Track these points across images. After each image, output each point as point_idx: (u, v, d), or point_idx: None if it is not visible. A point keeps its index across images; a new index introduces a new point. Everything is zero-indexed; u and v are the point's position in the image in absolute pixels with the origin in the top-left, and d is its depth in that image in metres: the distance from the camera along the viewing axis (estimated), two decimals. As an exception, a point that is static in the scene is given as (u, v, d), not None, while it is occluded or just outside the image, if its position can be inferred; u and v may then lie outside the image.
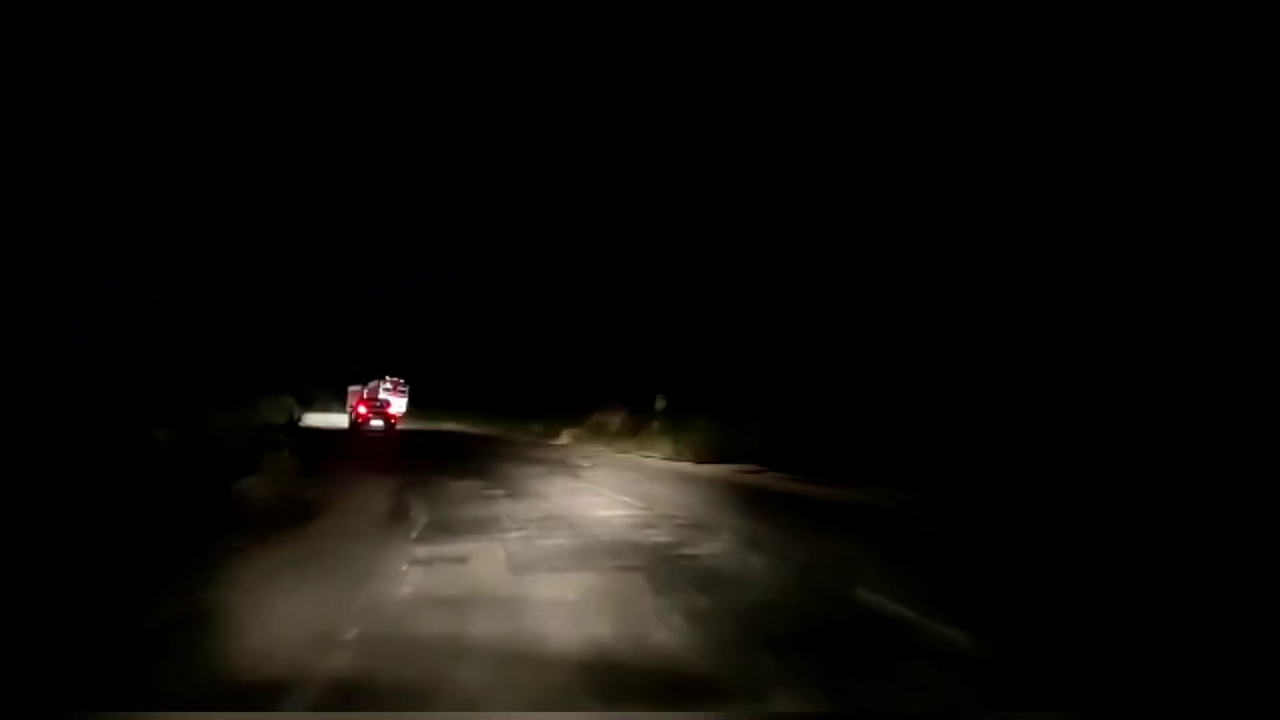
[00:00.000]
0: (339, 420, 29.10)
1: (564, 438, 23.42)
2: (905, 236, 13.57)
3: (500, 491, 9.94)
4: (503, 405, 30.21)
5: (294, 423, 12.78)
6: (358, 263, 38.55)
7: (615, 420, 23.55)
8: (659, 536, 6.38)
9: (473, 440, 23.02)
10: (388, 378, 41.63)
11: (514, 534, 6.51)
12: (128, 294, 9.57)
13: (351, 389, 41.91)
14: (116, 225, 9.43)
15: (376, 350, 43.04)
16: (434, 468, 13.08)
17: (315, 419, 30.26)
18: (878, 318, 14.25)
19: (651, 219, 23.82)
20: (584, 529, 6.77)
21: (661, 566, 5.04)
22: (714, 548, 5.83)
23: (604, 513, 8.01)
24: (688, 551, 5.64)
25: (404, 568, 5.05)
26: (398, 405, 39.21)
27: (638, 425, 21.62)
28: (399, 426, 30.34)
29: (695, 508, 8.51)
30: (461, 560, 5.30)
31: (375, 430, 27.34)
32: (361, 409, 28.49)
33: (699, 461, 15.73)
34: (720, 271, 20.13)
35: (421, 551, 5.65)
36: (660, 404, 19.48)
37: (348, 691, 2.77)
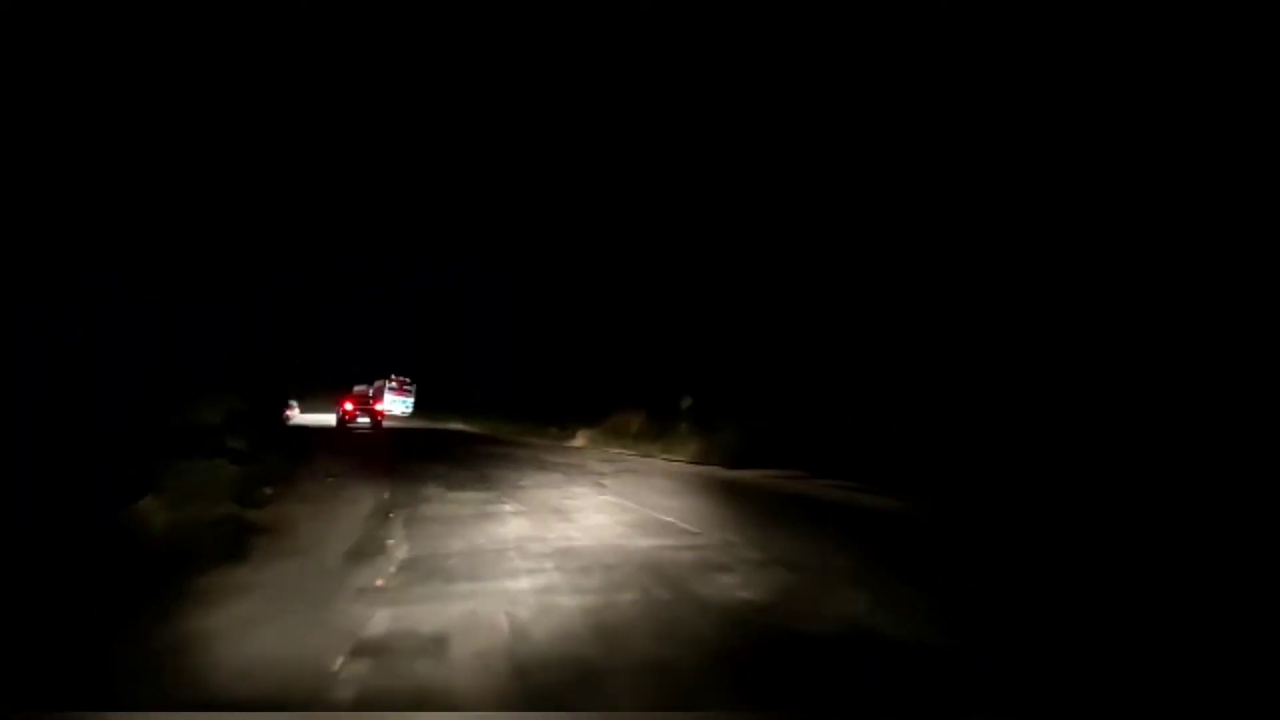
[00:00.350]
0: (333, 419, 27.77)
1: (579, 439, 21.37)
2: (917, 234, 13.12)
3: (508, 507, 7.89)
4: (513, 406, 28.25)
5: (237, 423, 10.69)
6: (358, 263, 36.77)
7: (635, 422, 21.48)
8: (741, 590, 4.27)
9: (479, 441, 20.93)
10: (393, 377, 39.96)
11: (525, 582, 4.44)
12: (125, 293, 9.07)
13: (357, 388, 40.68)
14: (115, 225, 9.11)
15: (378, 350, 41.28)
16: (430, 475, 11.05)
17: (311, 418, 28.76)
18: (914, 314, 13.45)
19: (663, 217, 22.30)
20: (626, 572, 4.69)
21: (786, 668, 2.94)
22: (844, 613, 3.72)
23: (647, 541, 5.92)
24: (806, 628, 3.51)
25: (336, 665, 2.97)
26: (398, 404, 37.51)
27: (660, 427, 19.60)
28: (387, 424, 29.18)
29: (763, 531, 6.42)
30: (437, 647, 3.20)
31: (362, 427, 26.17)
32: (348, 405, 27.47)
33: (731, 466, 13.70)
34: (739, 268, 18.97)
35: (380, 622, 3.57)
36: (686, 403, 17.39)
37: None
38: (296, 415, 28.72)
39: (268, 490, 8.16)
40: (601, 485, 10.20)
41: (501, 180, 30.55)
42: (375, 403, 28.90)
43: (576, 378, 25.83)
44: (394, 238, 35.19)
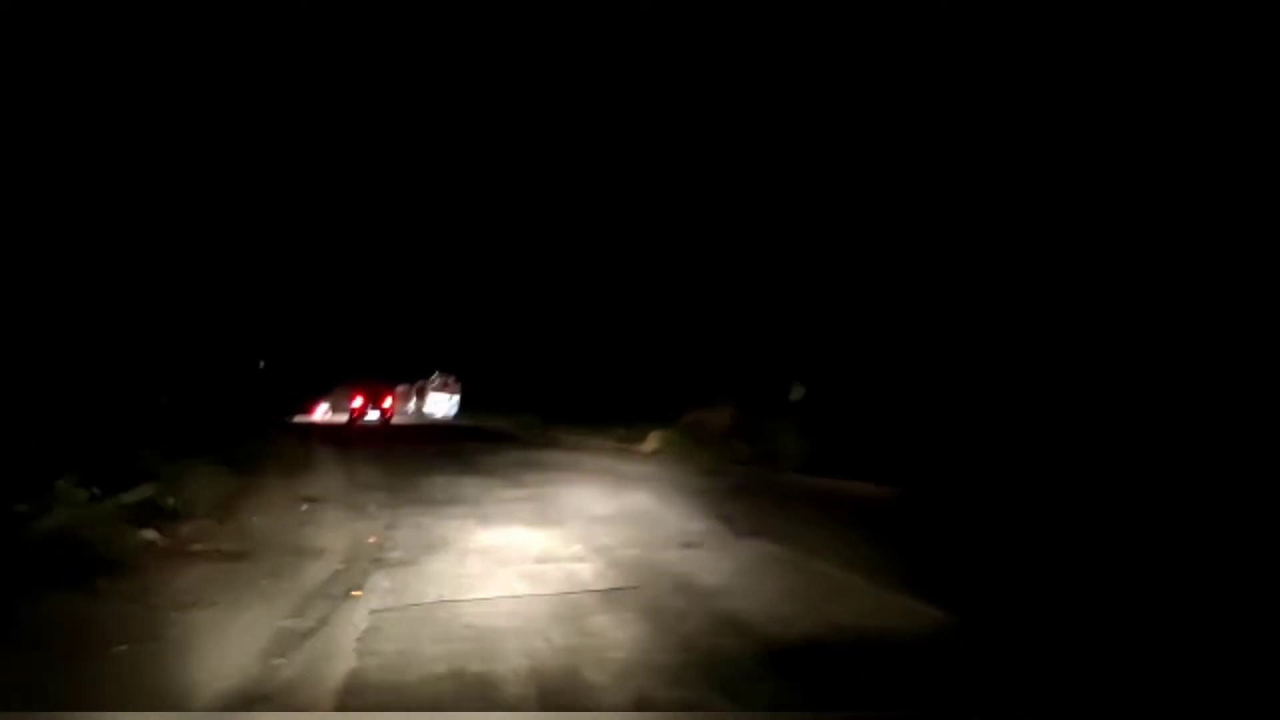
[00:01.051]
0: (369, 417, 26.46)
1: (651, 442, 17.32)
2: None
3: (590, 574, 4.00)
4: (569, 402, 24.51)
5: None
6: (393, 250, 33.66)
7: (720, 419, 17.37)
8: None
9: (531, 444, 16.96)
10: (437, 375, 36.95)
11: None
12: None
13: (400, 388, 38.22)
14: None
15: (421, 344, 38.35)
16: (458, 496, 7.25)
17: (329, 418, 26.75)
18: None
19: (734, 188, 19.06)
20: None
21: None
22: None
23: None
24: None
25: None
26: (443, 403, 34.48)
27: (754, 426, 15.49)
28: (434, 422, 27.83)
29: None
30: None
31: (371, 423, 25.24)
32: (357, 401, 26.37)
33: (878, 480, 9.61)
34: (817, 239, 15.61)
35: None
36: (796, 394, 13.27)
37: None
38: (326, 414, 26.50)
39: (149, 535, 4.47)
40: (730, 521, 6.17)
41: (521, 164, 27.24)
42: (384, 399, 28.18)
43: (642, 367, 21.94)
44: (420, 225, 31.96)
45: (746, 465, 12.58)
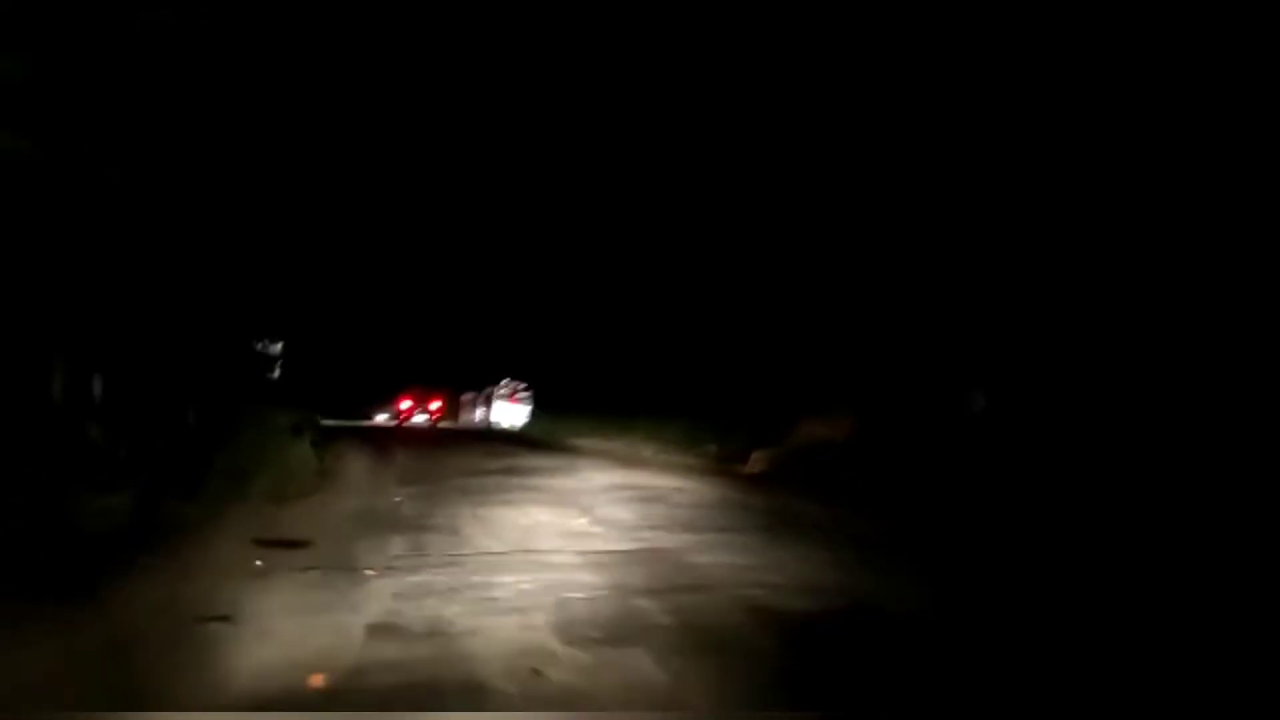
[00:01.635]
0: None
1: (755, 462, 14.03)
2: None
3: None
4: (649, 410, 21.59)
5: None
6: (460, 262, 32.15)
7: (836, 432, 13.98)
8: None
9: (609, 463, 13.92)
10: (506, 382, 35.08)
11: None
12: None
13: (465, 396, 36.93)
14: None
15: (490, 353, 36.63)
16: (521, 544, 4.42)
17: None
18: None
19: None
20: None
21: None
22: None
23: None
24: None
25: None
26: (513, 413, 32.44)
27: (889, 441, 12.07)
28: (504, 428, 27.63)
29: None
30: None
31: (418, 425, 26.42)
32: (404, 404, 28.28)
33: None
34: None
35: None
36: (977, 403, 9.87)
37: None
38: (381, 420, 26.34)
39: None
40: (987, 611, 3.03)
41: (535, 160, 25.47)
42: (432, 403, 28.64)
43: (732, 369, 18.76)
44: (509, 226, 29.99)
45: (902, 499, 9.23)
